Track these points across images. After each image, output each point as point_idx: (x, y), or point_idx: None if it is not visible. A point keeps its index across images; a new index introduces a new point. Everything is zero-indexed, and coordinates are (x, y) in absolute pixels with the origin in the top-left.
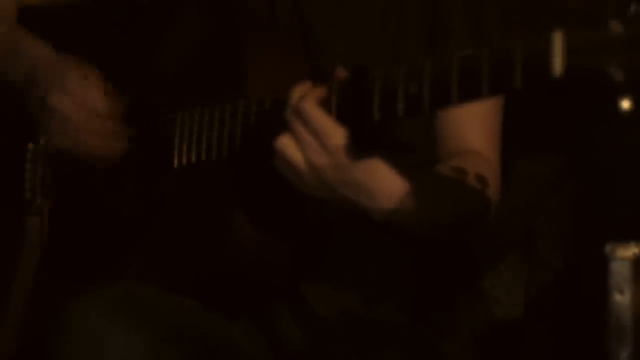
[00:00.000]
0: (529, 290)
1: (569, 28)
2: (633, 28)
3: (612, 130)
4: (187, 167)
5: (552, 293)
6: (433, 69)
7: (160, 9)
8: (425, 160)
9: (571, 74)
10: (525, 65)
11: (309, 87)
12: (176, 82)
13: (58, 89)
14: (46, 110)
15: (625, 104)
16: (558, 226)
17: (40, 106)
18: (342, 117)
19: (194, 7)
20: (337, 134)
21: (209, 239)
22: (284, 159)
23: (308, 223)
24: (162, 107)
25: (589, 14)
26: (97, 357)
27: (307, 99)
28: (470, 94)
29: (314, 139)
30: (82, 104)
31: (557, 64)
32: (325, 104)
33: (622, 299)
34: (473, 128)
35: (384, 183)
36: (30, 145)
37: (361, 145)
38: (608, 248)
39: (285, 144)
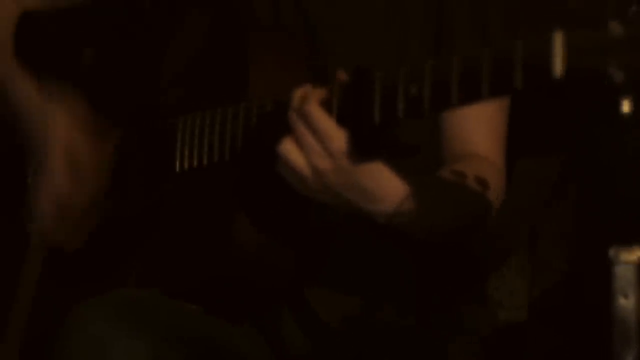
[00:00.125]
0: (532, 293)
1: (569, 28)
2: (633, 29)
3: (615, 133)
4: (189, 172)
5: (556, 296)
6: (433, 70)
7: (163, 12)
8: (430, 162)
9: (571, 74)
10: (526, 66)
11: (310, 89)
12: (179, 84)
13: (39, 177)
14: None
15: (626, 105)
16: (561, 229)
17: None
18: (342, 119)
19: (197, 9)
20: (340, 137)
21: (212, 242)
22: (287, 164)
23: (310, 227)
24: (165, 110)
25: (589, 14)
26: None
27: (309, 101)
28: (470, 95)
29: (317, 142)
30: (55, 198)
31: (558, 65)
32: (326, 106)
33: (626, 302)
34: (478, 131)
35: (386, 186)
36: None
37: (362, 147)
38: (612, 252)
39: (288, 148)
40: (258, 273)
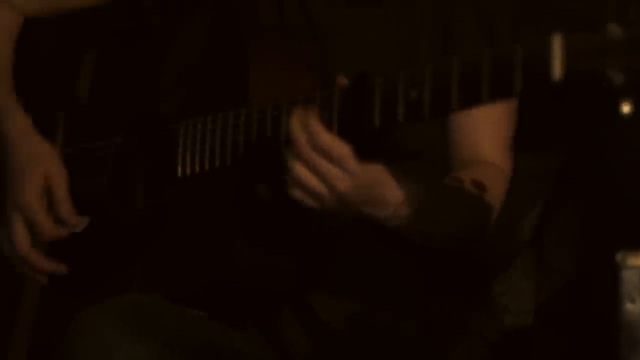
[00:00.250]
0: (538, 297)
1: (568, 31)
2: (632, 31)
3: (620, 135)
4: (191, 177)
5: (562, 301)
6: (433, 74)
7: (164, 18)
8: (434, 166)
9: (571, 77)
10: (525, 69)
11: (307, 114)
12: (179, 88)
13: (16, 199)
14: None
15: (626, 107)
16: (568, 233)
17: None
18: (343, 123)
19: (198, 14)
20: (355, 157)
21: (214, 248)
22: (304, 189)
23: (312, 233)
24: (165, 115)
25: (588, 16)
26: None
27: (318, 130)
28: (470, 98)
29: (334, 166)
30: (30, 221)
31: (557, 68)
32: (326, 111)
33: (633, 307)
34: (486, 136)
35: (392, 194)
36: None
37: (363, 151)
38: (619, 256)
39: (304, 174)
40: (260, 278)
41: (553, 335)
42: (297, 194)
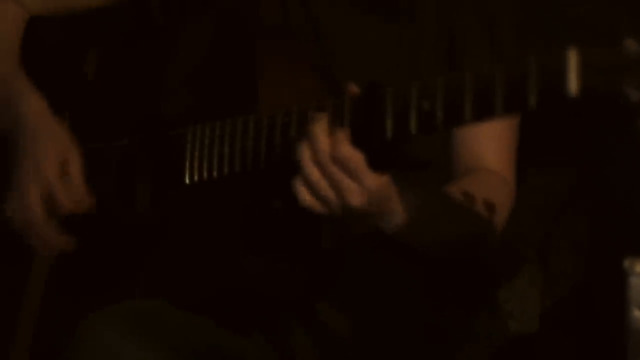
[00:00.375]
0: (544, 303)
1: (584, 46)
2: None
3: (627, 143)
4: (199, 184)
5: (568, 307)
6: (446, 87)
7: (170, 20)
8: (441, 175)
9: (587, 93)
10: (540, 84)
11: (330, 120)
12: (184, 92)
13: (32, 171)
14: (14, 184)
15: None
16: (574, 239)
17: (13, 168)
18: (354, 134)
19: (205, 17)
20: (373, 174)
21: (222, 254)
22: (315, 193)
23: (321, 245)
24: (171, 119)
25: (604, 31)
26: None
27: (341, 139)
28: (483, 112)
29: (352, 181)
30: (47, 196)
31: (573, 83)
32: (337, 120)
33: None
34: (489, 145)
35: (398, 205)
36: None
37: (374, 162)
38: (627, 262)
39: (319, 181)
40: (267, 285)
41: (558, 341)
42: (305, 195)
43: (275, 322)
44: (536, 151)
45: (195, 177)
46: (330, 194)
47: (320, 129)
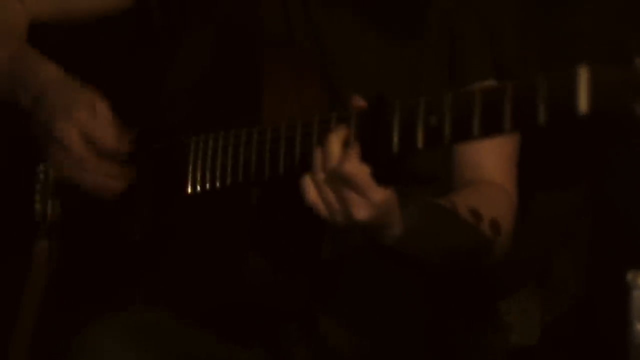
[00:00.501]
0: (544, 317)
1: (594, 65)
2: None
3: (629, 157)
4: (201, 195)
5: (569, 320)
6: (455, 103)
7: (173, 29)
8: (443, 188)
9: (596, 111)
10: (550, 102)
11: (347, 133)
12: (190, 103)
13: (65, 117)
14: (50, 137)
15: None
16: (576, 252)
17: (44, 132)
18: (360, 148)
19: (206, 26)
20: (379, 189)
21: (224, 267)
22: (323, 201)
23: (322, 257)
24: (177, 129)
25: (605, 43)
26: None
27: (350, 159)
28: (492, 128)
29: (358, 196)
30: (86, 137)
31: (583, 101)
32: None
33: None
34: (491, 157)
35: (398, 218)
36: (41, 166)
37: (380, 177)
38: (630, 276)
39: (326, 189)
40: (270, 297)
41: (559, 355)
42: (312, 193)
43: (276, 334)
44: (542, 170)
45: (198, 188)
46: (335, 203)
47: (336, 140)
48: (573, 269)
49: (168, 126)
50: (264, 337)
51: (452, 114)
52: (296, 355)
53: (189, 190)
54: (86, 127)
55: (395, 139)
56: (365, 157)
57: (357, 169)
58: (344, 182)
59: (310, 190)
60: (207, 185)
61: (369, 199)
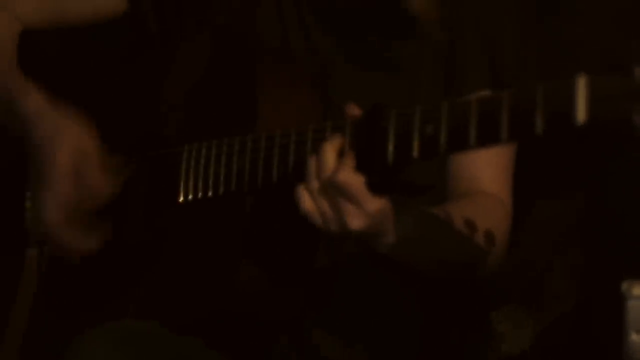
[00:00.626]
0: (536, 326)
1: (592, 74)
2: None
3: (626, 167)
4: (193, 203)
5: (561, 330)
6: (451, 111)
7: (167, 35)
8: (437, 198)
9: (594, 121)
10: (547, 111)
11: (342, 143)
12: (181, 111)
13: (50, 160)
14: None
15: None
16: (571, 261)
17: (34, 157)
18: (354, 157)
19: (203, 35)
20: (374, 199)
21: (216, 277)
22: (318, 210)
23: (315, 266)
24: (166, 137)
25: (602, 53)
26: None
27: (344, 169)
28: (488, 138)
29: (352, 206)
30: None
31: (581, 111)
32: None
33: (638, 338)
34: (487, 169)
35: (392, 226)
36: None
37: (374, 186)
38: (625, 285)
39: (326, 212)
40: (262, 308)
41: None
42: (306, 202)
43: (268, 345)
44: (539, 179)
45: (190, 196)
46: (329, 212)
47: (330, 149)
48: (567, 278)
49: (162, 134)
50: (256, 347)
51: (448, 123)
52: None
53: (181, 198)
54: (65, 200)
55: (391, 148)
56: (360, 167)
57: (352, 178)
58: (339, 191)
59: (305, 199)
60: (200, 194)
61: (364, 209)
